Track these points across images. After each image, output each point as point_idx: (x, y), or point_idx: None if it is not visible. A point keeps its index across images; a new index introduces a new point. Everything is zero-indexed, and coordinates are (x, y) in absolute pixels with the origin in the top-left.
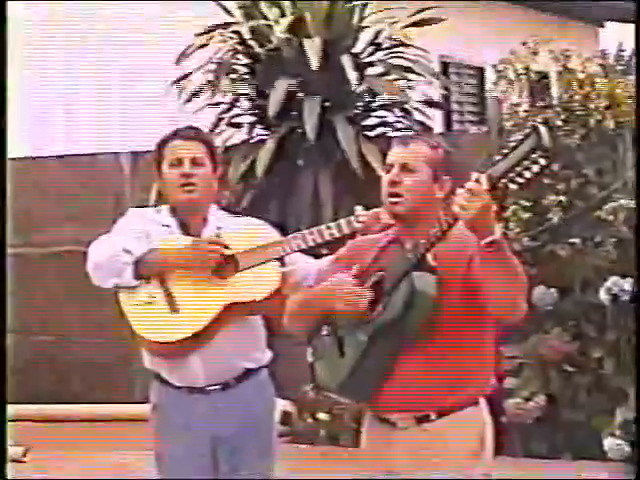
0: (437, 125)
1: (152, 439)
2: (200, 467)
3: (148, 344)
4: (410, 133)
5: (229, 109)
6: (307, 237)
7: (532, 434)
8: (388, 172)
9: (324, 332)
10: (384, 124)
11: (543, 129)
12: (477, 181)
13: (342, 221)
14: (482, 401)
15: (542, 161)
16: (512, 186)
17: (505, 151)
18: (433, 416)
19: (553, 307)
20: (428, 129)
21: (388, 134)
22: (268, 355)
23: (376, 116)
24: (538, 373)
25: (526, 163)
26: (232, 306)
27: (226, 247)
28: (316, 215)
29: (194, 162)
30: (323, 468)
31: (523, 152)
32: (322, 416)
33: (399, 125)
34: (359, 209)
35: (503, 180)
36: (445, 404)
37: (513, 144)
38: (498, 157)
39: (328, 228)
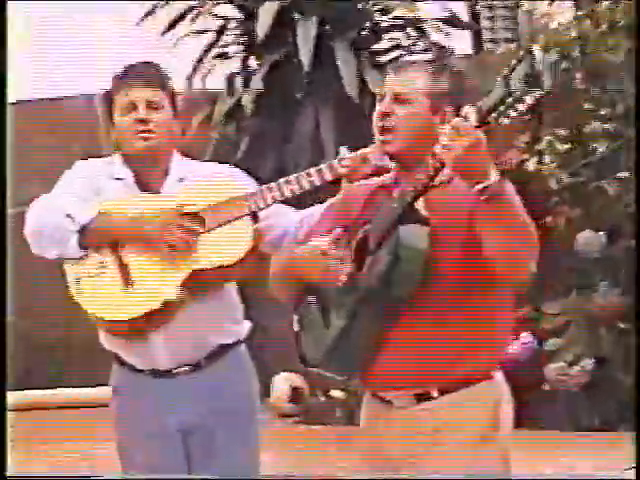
0: (465, 47)
1: (113, 427)
2: (169, 459)
3: (103, 322)
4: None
5: (216, 38)
6: (283, 187)
7: (579, 404)
8: (380, 103)
9: (309, 299)
10: (396, 48)
11: (539, 53)
12: (464, 116)
13: (323, 166)
14: (497, 374)
15: (536, 92)
16: (504, 121)
17: (498, 79)
18: (435, 393)
19: (601, 254)
20: (448, 51)
21: (402, 60)
22: (246, 327)
23: (388, 39)
24: (585, 332)
25: (518, 94)
26: (197, 274)
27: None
28: (318, 158)
29: (150, 105)
30: (338, 453)
31: (515, 81)
32: (336, 393)
33: (416, 48)
34: (343, 150)
35: (493, 114)
36: (448, 379)
37: (505, 71)
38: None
39: (308, 175)
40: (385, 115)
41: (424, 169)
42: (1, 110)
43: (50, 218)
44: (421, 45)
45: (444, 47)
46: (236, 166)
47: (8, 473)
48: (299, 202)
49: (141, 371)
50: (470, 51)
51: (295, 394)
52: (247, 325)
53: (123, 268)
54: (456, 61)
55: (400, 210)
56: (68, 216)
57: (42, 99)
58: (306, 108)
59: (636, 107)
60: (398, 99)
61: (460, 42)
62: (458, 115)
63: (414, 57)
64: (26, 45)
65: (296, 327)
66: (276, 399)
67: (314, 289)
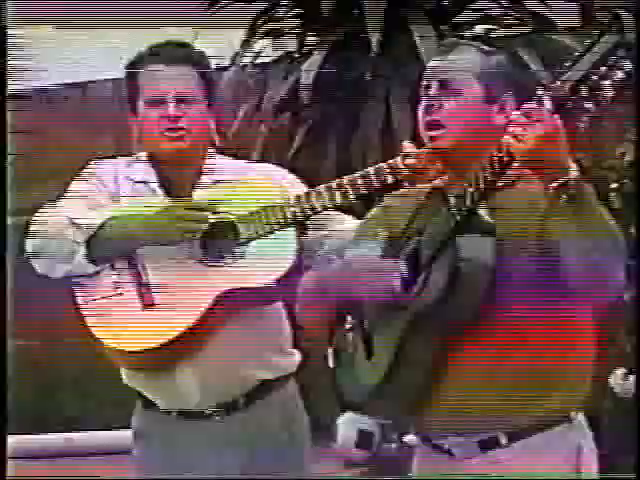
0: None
1: (134, 477)
2: None
3: (119, 354)
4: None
5: (268, 10)
6: (334, 191)
7: None
8: (426, 94)
9: (347, 326)
10: (485, 20)
11: (627, 15)
12: (538, 100)
13: (384, 165)
14: (577, 416)
15: (628, 64)
16: (587, 105)
17: (576, 54)
18: (503, 440)
19: None
20: (548, 24)
21: (493, 34)
22: (295, 359)
23: (473, 9)
24: None
25: (604, 70)
26: (231, 294)
27: (215, 212)
28: (389, 151)
29: (181, 99)
30: None
31: (600, 54)
32: (413, 439)
33: (508, 20)
34: (407, 145)
35: (573, 97)
36: (519, 422)
37: (587, 44)
38: (568, 63)
39: (364, 177)
40: (431, 108)
41: (487, 166)
42: (1, 110)
43: (53, 228)
44: (515, 16)
45: (545, 18)
46: (290, 164)
47: (8, 474)
48: None
49: (168, 412)
50: (576, 23)
51: (364, 439)
52: (297, 357)
53: (142, 287)
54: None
55: (459, 217)
56: (74, 224)
57: (61, 85)
58: (375, 92)
59: (636, 107)
60: (446, 86)
61: (564, 12)
62: (522, 103)
63: (505, 31)
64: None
65: (331, 362)
66: (341, 445)
67: (354, 313)
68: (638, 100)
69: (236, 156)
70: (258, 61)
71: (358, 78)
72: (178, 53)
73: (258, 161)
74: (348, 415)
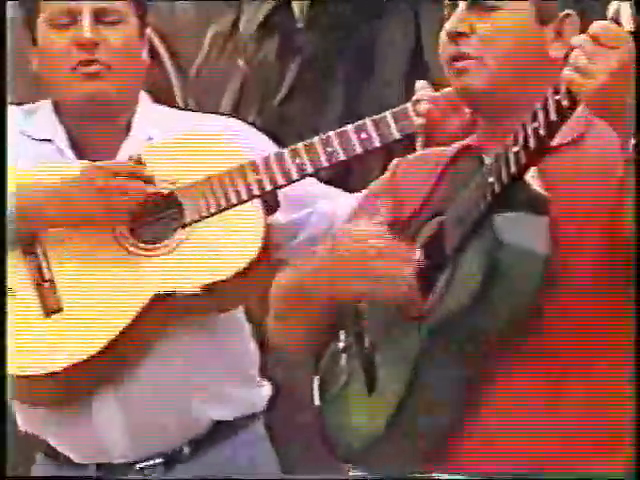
0: None
1: None
2: None
3: (12, 380)
4: None
5: None
6: (318, 150)
7: None
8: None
9: (339, 345)
10: None
11: None
12: (612, 18)
13: (387, 114)
14: None
15: None
16: None
17: None
18: None
19: None
20: None
21: None
22: (264, 392)
23: None
24: None
25: None
26: (171, 297)
27: (149, 181)
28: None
29: (101, 17)
30: None
31: None
32: None
33: None
34: (422, 87)
35: None
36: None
37: None
38: None
39: (359, 130)
40: (459, 37)
41: (538, 115)
42: (1, 109)
43: None
44: None
45: None
46: (277, 114)
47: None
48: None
49: (83, 466)
50: None
51: None
52: (266, 389)
53: (44, 285)
54: None
55: (498, 187)
56: None
57: None
58: (399, 9)
59: (636, 107)
60: (479, 5)
61: None
62: (586, 24)
63: None
64: None
65: (316, 397)
66: None
67: (348, 325)
68: (638, 99)
69: (197, 108)
70: None
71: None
72: None
73: (219, 113)
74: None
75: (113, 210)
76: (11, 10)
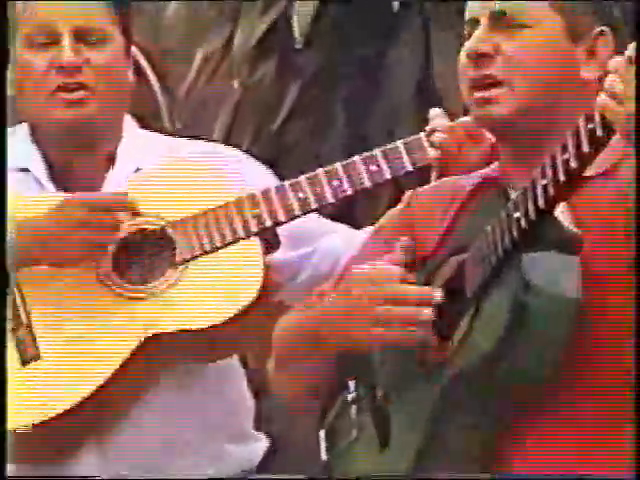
0: None
1: None
2: None
3: None
4: None
5: None
6: (322, 183)
7: None
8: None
9: (349, 396)
10: None
11: None
12: None
13: (399, 144)
14: None
15: None
16: None
17: None
18: None
19: None
20: None
21: None
22: (260, 447)
23: None
24: None
25: None
26: (160, 341)
27: (136, 213)
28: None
29: (83, 36)
30: None
31: None
32: None
33: None
34: (437, 116)
35: None
36: None
37: None
38: None
39: (368, 162)
40: (483, 58)
41: (569, 145)
42: (1, 109)
43: None
44: None
45: None
46: (275, 142)
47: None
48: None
49: None
50: None
51: None
52: (263, 443)
53: (21, 330)
54: None
55: (525, 223)
56: None
57: None
58: (408, 30)
59: (636, 107)
60: (505, 23)
61: None
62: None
63: None
64: None
65: (324, 453)
66: None
67: (358, 373)
68: (638, 99)
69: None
70: None
71: (382, 8)
72: None
73: (209, 140)
74: None
75: (91, 247)
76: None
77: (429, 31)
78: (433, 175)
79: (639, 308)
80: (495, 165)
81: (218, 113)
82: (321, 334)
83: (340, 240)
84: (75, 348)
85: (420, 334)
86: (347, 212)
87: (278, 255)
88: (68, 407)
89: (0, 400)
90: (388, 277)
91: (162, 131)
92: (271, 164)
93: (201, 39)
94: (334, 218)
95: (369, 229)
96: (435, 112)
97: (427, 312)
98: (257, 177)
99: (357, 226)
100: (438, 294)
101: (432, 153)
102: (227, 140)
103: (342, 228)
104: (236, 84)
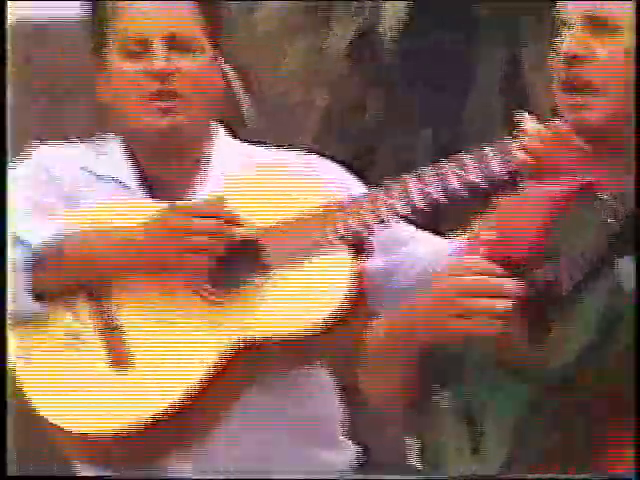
0: None
1: None
2: None
3: (72, 439)
4: None
5: None
6: (413, 190)
7: None
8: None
9: (439, 400)
10: None
11: None
12: None
13: (488, 150)
14: None
15: None
16: None
17: None
18: None
19: None
20: None
21: None
22: (348, 454)
23: None
24: None
25: None
26: (250, 347)
27: (232, 220)
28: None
29: (174, 44)
30: None
31: None
32: None
33: None
34: (524, 119)
35: None
36: None
37: None
38: None
39: (458, 168)
40: (578, 60)
41: None
42: (1, 109)
43: None
44: None
45: None
46: (359, 150)
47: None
48: None
49: None
50: None
51: None
52: (351, 450)
53: (111, 333)
54: None
55: (619, 229)
56: (18, 239)
57: None
58: (495, 36)
59: (636, 107)
60: (599, 24)
61: None
62: None
63: None
64: None
65: (415, 456)
66: None
67: (445, 374)
68: (638, 99)
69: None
70: None
71: (468, 14)
72: None
73: (297, 146)
74: None
75: (192, 256)
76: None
77: (518, 31)
78: (522, 180)
79: (639, 308)
80: (587, 170)
81: (306, 118)
82: (408, 330)
83: (428, 246)
84: (165, 351)
85: (498, 327)
86: (432, 217)
87: (368, 262)
88: (159, 412)
89: (0, 400)
90: (471, 268)
91: (248, 137)
92: (357, 171)
93: (290, 43)
94: (420, 225)
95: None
96: (524, 115)
97: (503, 303)
98: (346, 184)
99: (442, 232)
100: (517, 286)
101: (521, 158)
102: (315, 146)
103: (430, 235)
104: (323, 92)
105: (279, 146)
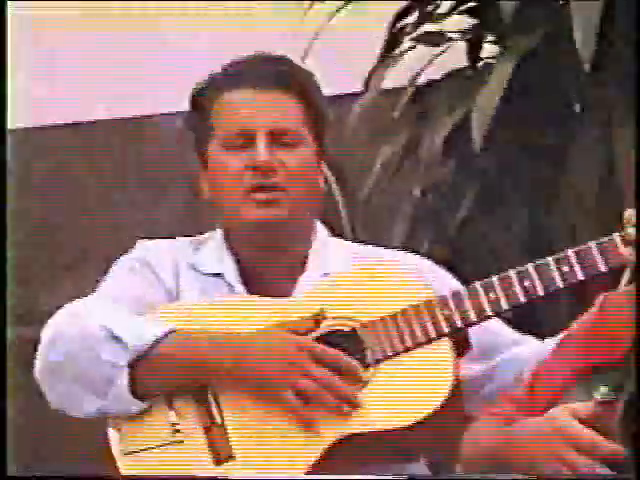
0: None
1: None
2: None
3: None
4: None
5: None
6: (514, 285)
7: None
8: None
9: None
10: None
11: None
12: None
13: (592, 245)
14: None
15: None
16: None
17: None
18: None
19: None
20: None
21: None
22: None
23: None
24: None
25: None
26: (351, 443)
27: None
28: (611, 219)
29: (278, 138)
30: None
31: None
32: None
33: None
34: (629, 215)
35: None
36: None
37: None
38: None
39: (559, 262)
40: None
41: None
42: (1, 109)
43: (77, 343)
44: None
45: None
46: (453, 245)
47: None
48: None
49: None
50: None
51: None
52: None
53: (214, 431)
54: None
55: None
56: (113, 337)
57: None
58: (589, 131)
59: (636, 107)
60: None
61: None
62: None
63: None
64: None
65: None
66: None
67: None
68: (638, 100)
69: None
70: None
71: (562, 108)
72: (272, 72)
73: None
74: None
75: (291, 392)
76: None
77: (612, 128)
78: (626, 275)
79: (639, 308)
80: None
81: (397, 218)
82: (507, 459)
83: (527, 350)
84: (267, 447)
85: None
86: (529, 315)
87: (466, 369)
88: None
89: (0, 402)
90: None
91: (344, 237)
92: (450, 267)
93: (383, 142)
94: (511, 322)
95: (554, 339)
96: (629, 212)
97: (599, 470)
98: (444, 282)
99: (539, 329)
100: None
101: (626, 253)
102: (405, 245)
103: (527, 338)
104: (417, 191)
105: (376, 244)
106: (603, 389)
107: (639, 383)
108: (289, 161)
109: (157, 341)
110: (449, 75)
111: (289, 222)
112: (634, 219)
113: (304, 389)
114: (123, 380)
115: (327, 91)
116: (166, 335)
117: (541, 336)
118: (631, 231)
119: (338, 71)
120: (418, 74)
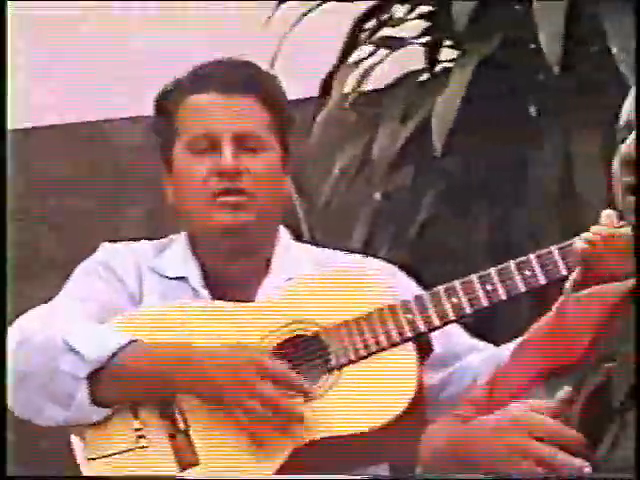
0: None
1: None
2: None
3: None
4: None
5: (375, 9)
6: (476, 286)
7: None
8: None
9: None
10: None
11: None
12: None
13: (553, 249)
14: None
15: None
16: None
17: None
18: None
19: None
20: None
21: None
22: None
23: None
24: None
25: None
26: (313, 447)
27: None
28: (572, 223)
29: (243, 142)
30: None
31: None
32: None
33: None
34: (608, 215)
35: None
36: None
37: None
38: None
39: (521, 266)
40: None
41: None
42: (1, 109)
43: (40, 353)
44: None
45: None
46: (413, 250)
47: (8, 473)
48: None
49: None
50: None
51: None
52: None
53: (179, 437)
54: None
55: None
56: (71, 349)
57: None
58: (548, 138)
59: (636, 106)
60: None
61: None
62: None
63: None
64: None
65: None
66: None
67: None
68: (638, 100)
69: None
70: (366, 87)
71: (520, 113)
72: (238, 77)
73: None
74: None
75: (244, 405)
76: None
77: (571, 136)
78: (571, 278)
79: (639, 309)
80: None
81: (356, 222)
82: (467, 457)
83: (483, 356)
84: (232, 453)
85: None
86: (487, 320)
87: (426, 377)
88: None
89: (0, 401)
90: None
91: (303, 241)
92: (410, 271)
93: (340, 147)
94: (473, 327)
95: (511, 344)
96: (607, 214)
97: (562, 457)
98: (408, 290)
99: (497, 334)
100: (585, 406)
101: (581, 246)
102: (365, 249)
103: (484, 344)
104: (377, 195)
105: (336, 248)
106: (567, 388)
107: (639, 383)
108: (255, 166)
109: (117, 352)
110: (406, 77)
111: (255, 227)
112: (615, 219)
113: (251, 409)
114: (83, 392)
115: (293, 95)
116: (126, 346)
117: (501, 340)
118: (577, 242)
119: (304, 75)
120: (366, 75)
